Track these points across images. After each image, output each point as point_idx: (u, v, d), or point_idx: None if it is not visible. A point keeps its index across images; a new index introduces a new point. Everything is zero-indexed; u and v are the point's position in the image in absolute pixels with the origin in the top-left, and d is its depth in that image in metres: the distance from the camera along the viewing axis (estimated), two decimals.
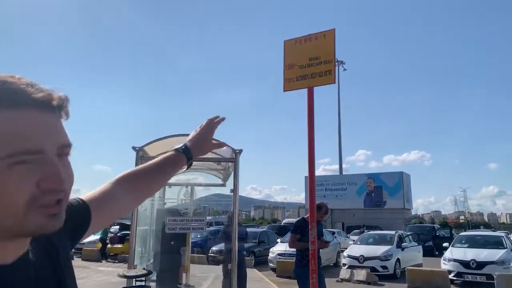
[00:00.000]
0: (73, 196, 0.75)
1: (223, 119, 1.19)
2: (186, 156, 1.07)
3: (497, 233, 14.66)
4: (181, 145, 1.10)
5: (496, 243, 12.18)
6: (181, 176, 6.62)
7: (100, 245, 16.49)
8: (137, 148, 5.29)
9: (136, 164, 5.26)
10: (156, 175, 0.98)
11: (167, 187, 6.50)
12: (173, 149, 1.08)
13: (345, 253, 13.34)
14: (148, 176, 0.97)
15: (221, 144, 1.22)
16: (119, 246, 16.46)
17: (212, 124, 1.17)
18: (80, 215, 0.78)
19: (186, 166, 1.09)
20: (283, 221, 35.78)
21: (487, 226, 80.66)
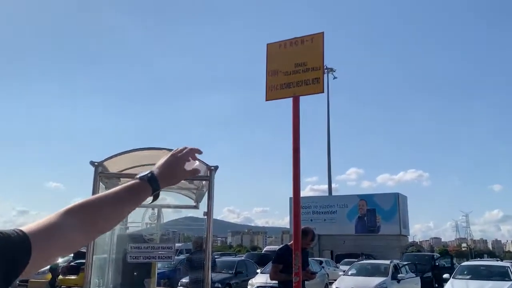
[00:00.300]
0: (19, 221, 0.74)
1: (198, 151, 1.19)
2: (152, 186, 1.05)
3: (503, 263, 15.04)
4: (146, 172, 1.07)
5: (502, 275, 12.48)
6: None
7: (49, 276, 16.08)
8: (96, 163, 5.24)
9: (95, 182, 5.20)
10: (114, 208, 0.96)
11: None
12: (136, 177, 1.05)
13: (334, 286, 13.40)
14: (104, 209, 0.94)
15: (196, 171, 1.20)
16: (73, 277, 16.09)
17: (187, 152, 1.17)
18: (16, 249, 0.76)
19: (151, 198, 1.08)
20: (264, 249, 35.75)
21: (491, 254, 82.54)
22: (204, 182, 6.18)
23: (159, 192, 1.08)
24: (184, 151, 1.16)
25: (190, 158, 1.18)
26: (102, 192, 0.99)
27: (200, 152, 1.19)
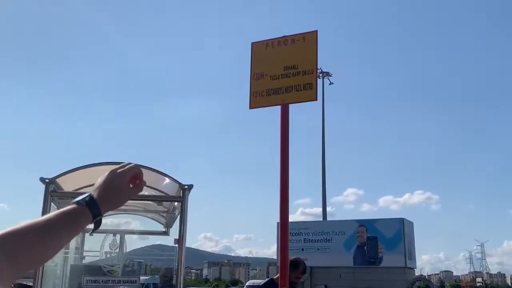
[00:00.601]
0: None
1: (137, 169, 1.19)
2: (92, 211, 1.04)
3: None
4: (85, 195, 1.06)
5: None
6: (107, 220, 6.44)
7: None
8: (47, 180, 5.14)
9: (45, 203, 5.09)
10: (46, 238, 0.94)
11: (86, 234, 6.31)
12: (73, 201, 1.04)
13: None
14: (32, 239, 0.92)
15: (140, 186, 1.19)
16: None
17: (130, 167, 1.16)
18: None
19: (93, 226, 1.07)
20: (247, 283, 35.41)
21: None
22: (175, 203, 6.06)
23: (101, 219, 1.07)
24: (126, 167, 1.15)
25: (138, 176, 1.18)
26: (33, 220, 0.96)
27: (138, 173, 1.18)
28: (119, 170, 1.13)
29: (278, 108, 4.03)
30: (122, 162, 1.19)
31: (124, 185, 1.13)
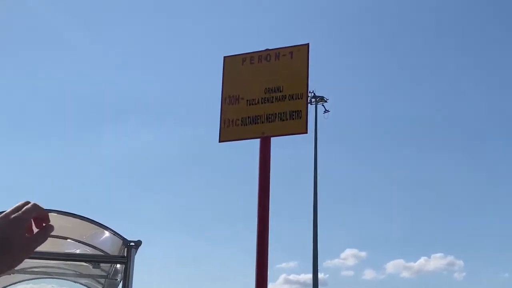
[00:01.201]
0: None
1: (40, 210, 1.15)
2: None
3: None
4: None
5: None
6: (24, 286, 6.27)
7: None
8: None
9: None
10: None
11: None
12: None
13: None
14: None
15: (44, 233, 1.14)
16: None
17: (28, 209, 1.12)
18: None
19: None
20: None
21: None
22: (118, 265, 5.85)
23: None
24: (24, 209, 1.11)
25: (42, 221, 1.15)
26: None
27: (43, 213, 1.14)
28: (12, 216, 1.09)
29: (256, 142, 4.06)
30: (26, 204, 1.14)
31: (19, 235, 1.08)
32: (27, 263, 5.18)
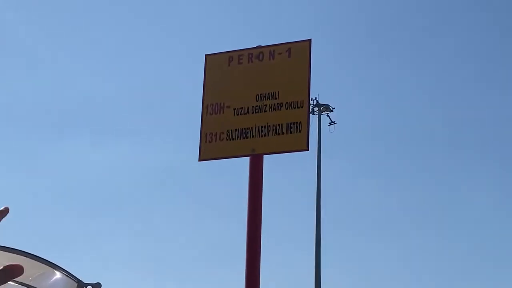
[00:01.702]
0: None
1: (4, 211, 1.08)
2: None
3: None
4: None
5: None
6: None
7: None
8: None
9: None
10: None
11: None
12: None
13: None
14: None
15: (14, 272, 0.97)
16: None
17: None
18: None
19: None
20: None
21: None
22: None
23: None
24: None
25: None
26: None
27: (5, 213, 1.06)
28: None
29: (245, 162, 3.80)
30: None
31: None
32: None
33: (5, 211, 1.12)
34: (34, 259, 4.52)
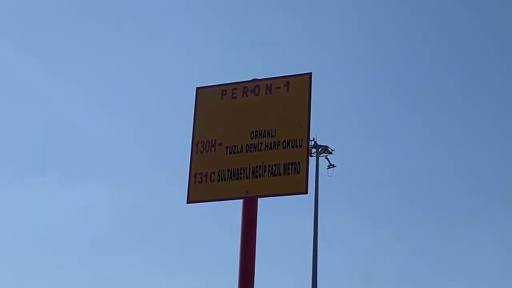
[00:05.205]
0: None
1: None
2: None
3: None
4: None
5: None
6: None
7: None
8: None
9: None
10: None
11: None
12: None
13: None
14: None
15: None
16: None
17: None
18: None
19: None
20: None
21: None
22: None
23: None
24: None
25: None
26: None
27: None
28: None
29: (238, 204, 3.66)
30: None
31: None
32: None
33: None
34: None
